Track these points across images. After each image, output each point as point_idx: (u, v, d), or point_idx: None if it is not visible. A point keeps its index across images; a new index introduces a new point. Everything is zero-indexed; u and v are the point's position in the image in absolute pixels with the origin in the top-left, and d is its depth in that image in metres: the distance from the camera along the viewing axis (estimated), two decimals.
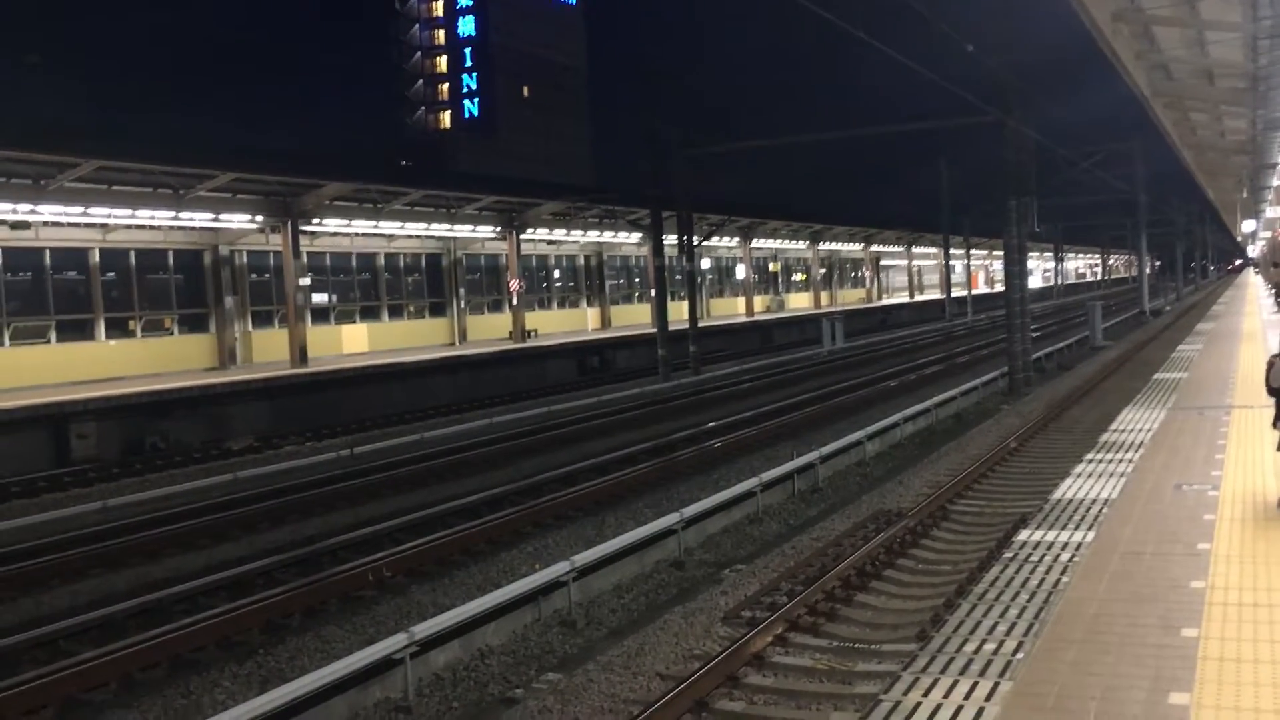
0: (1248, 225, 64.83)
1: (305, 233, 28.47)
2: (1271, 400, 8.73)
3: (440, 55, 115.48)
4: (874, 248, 69.60)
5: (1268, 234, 53.14)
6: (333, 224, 29.36)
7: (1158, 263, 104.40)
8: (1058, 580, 7.55)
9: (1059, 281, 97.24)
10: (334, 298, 32.55)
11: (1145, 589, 6.87)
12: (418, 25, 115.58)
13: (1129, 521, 8.69)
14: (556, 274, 43.55)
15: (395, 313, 34.76)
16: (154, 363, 26.04)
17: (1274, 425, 8.68)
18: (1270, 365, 8.64)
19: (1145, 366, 26.38)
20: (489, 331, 37.35)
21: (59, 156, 21.63)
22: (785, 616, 9.45)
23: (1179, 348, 26.43)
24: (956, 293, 66.32)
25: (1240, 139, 29.04)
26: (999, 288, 57.23)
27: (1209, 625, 6.11)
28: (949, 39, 17.71)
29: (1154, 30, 18.51)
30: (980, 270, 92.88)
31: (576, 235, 39.88)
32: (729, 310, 53.72)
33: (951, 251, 63.32)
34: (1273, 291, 46.39)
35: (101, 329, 25.60)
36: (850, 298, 68.60)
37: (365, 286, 33.81)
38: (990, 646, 6.42)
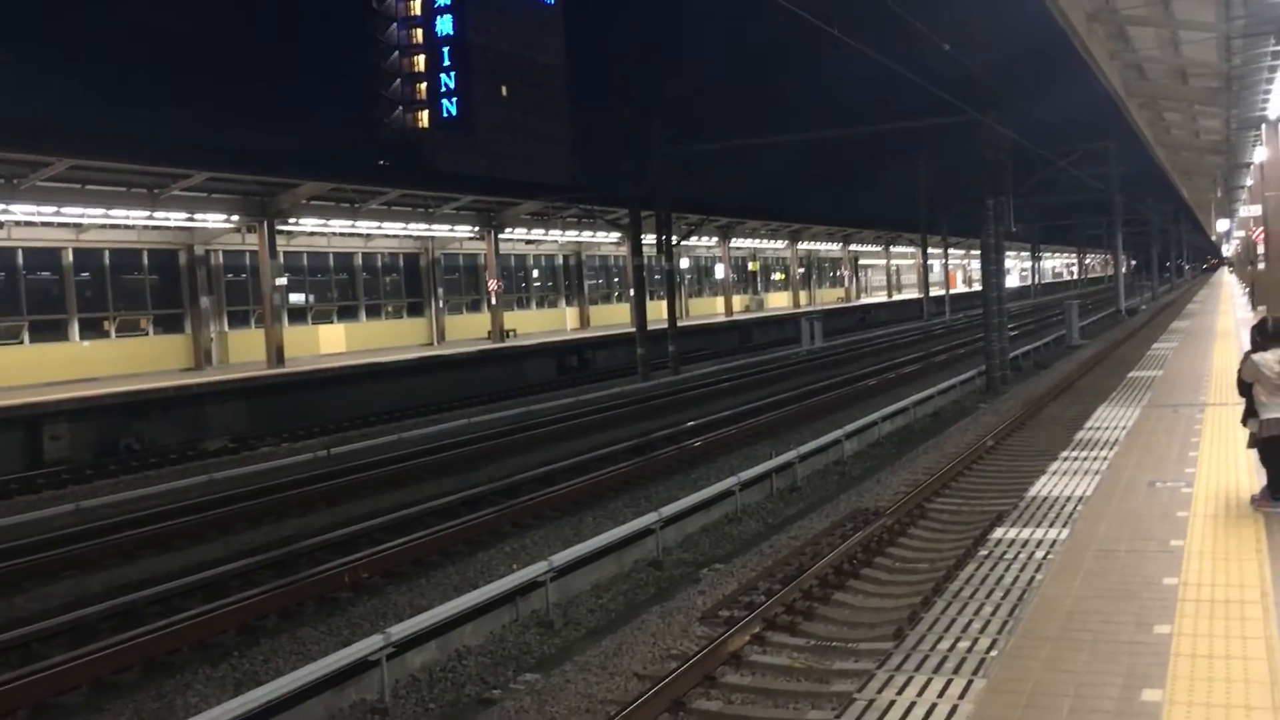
0: (1222, 224, 65.40)
1: (282, 232, 28.35)
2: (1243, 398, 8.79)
3: (418, 54, 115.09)
4: (852, 247, 69.82)
5: (1241, 233, 53.60)
6: (309, 223, 29.24)
7: (1133, 262, 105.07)
8: (1032, 578, 7.58)
9: (1036, 281, 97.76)
10: (311, 298, 32.40)
11: (1119, 586, 6.90)
12: (395, 24, 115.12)
13: (1103, 519, 8.74)
14: (535, 273, 43.47)
15: (373, 313, 34.63)
16: (129, 363, 25.84)
17: (1243, 422, 8.74)
18: (1243, 361, 8.70)
19: (1121, 365, 26.54)
20: (467, 331, 37.26)
21: (31, 155, 21.44)
22: (763, 616, 9.45)
23: (1154, 346, 26.62)
24: (935, 292, 66.60)
25: (1214, 138, 29.27)
26: (977, 287, 57.39)
27: (1181, 622, 6.15)
28: (926, 38, 17.75)
29: (1128, 30, 18.62)
30: (958, 269, 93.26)
31: (555, 235, 39.84)
32: (708, 310, 53.78)
33: (930, 251, 63.57)
34: (1246, 290, 46.76)
35: (75, 329, 25.40)
36: (829, 297, 68.79)
37: (343, 286, 33.67)
38: (965, 644, 6.43)
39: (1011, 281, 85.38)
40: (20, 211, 22.59)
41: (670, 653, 9.00)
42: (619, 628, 9.77)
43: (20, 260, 24.36)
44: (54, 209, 22.88)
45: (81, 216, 23.93)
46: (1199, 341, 26.08)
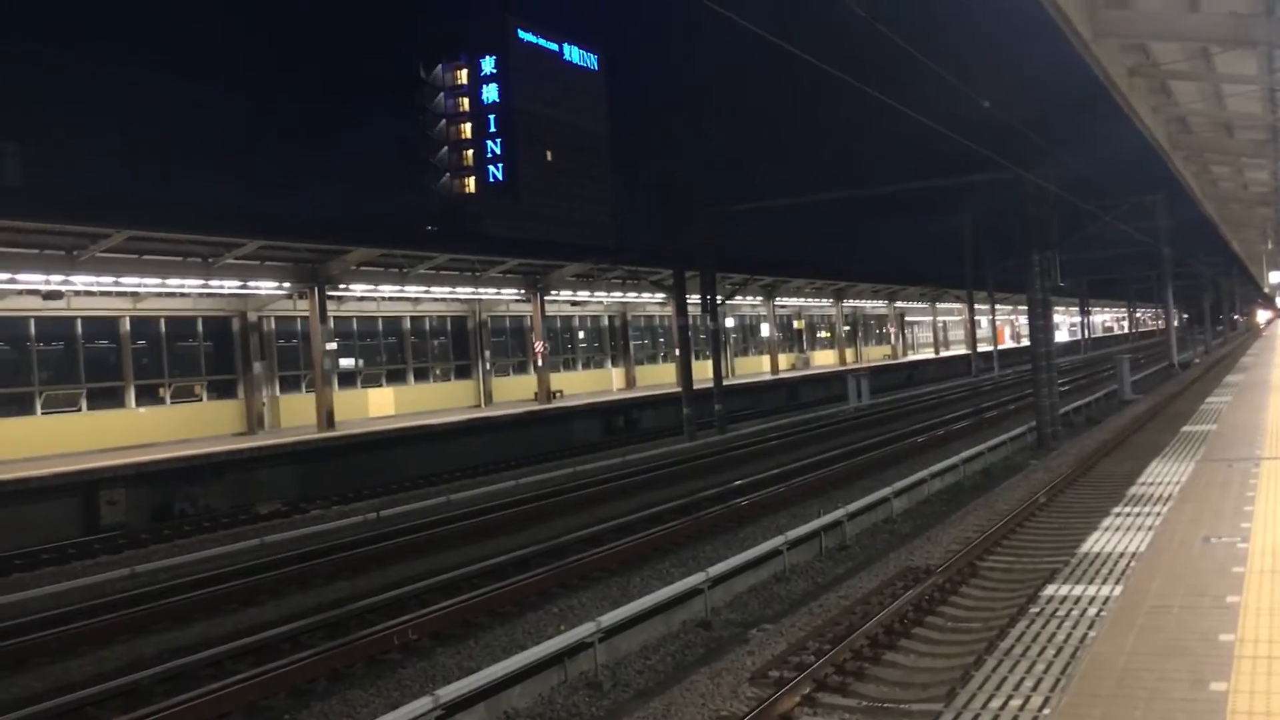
0: (1274, 276, 64.40)
1: (332, 298, 28.82)
2: None
3: (465, 122, 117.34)
4: (898, 304, 69.61)
5: None
6: (359, 289, 29.72)
7: (1185, 315, 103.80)
8: (1084, 635, 7.49)
9: (1086, 335, 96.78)
10: (360, 362, 32.81)
11: (1173, 643, 6.79)
12: (442, 93, 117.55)
13: (1157, 575, 8.60)
14: (581, 335, 43.75)
15: (421, 375, 34.98)
16: (183, 429, 26.29)
17: None
18: None
19: (1174, 419, 26.16)
20: (514, 393, 37.51)
21: (91, 228, 22.03)
22: (813, 676, 9.38)
23: (1208, 400, 26.22)
24: (983, 348, 66.09)
25: (1263, 190, 28.99)
26: (1026, 342, 56.83)
27: (1238, 679, 6.03)
28: (966, 96, 17.85)
29: (1170, 84, 18.60)
30: (1006, 325, 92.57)
31: (600, 296, 40.15)
32: (754, 368, 53.72)
33: (977, 306, 63.20)
34: None
35: (132, 396, 25.90)
36: (875, 354, 68.46)
37: (391, 350, 34.08)
38: (1017, 703, 6.37)
39: (1061, 336, 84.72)
40: (80, 282, 23.15)
41: (720, 714, 8.94)
42: (668, 689, 9.71)
43: (79, 329, 24.93)
44: (112, 279, 23.43)
45: (139, 286, 24.47)
46: (1254, 395, 25.64)
